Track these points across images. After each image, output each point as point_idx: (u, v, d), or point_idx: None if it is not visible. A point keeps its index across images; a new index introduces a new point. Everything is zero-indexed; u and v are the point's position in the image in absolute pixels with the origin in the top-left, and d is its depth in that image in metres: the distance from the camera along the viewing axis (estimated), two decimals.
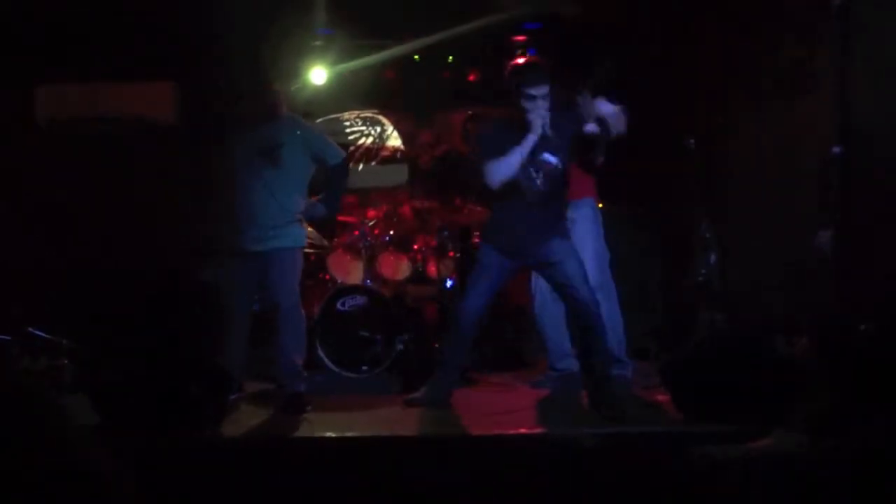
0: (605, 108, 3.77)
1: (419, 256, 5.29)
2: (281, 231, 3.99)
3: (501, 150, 3.71)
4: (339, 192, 4.26)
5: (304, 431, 3.61)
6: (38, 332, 4.54)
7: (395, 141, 6.43)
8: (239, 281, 4.03)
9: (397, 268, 5.24)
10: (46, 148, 5.18)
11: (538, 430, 3.58)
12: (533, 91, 3.63)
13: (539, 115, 3.63)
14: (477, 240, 4.85)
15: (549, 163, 3.75)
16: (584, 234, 4.28)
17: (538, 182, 3.75)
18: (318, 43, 5.74)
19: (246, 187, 3.96)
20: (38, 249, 5.05)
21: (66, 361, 4.33)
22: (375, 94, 6.25)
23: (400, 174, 6.23)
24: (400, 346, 4.63)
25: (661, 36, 4.77)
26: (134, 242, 5.11)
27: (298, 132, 4.07)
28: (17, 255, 5.01)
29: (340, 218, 5.54)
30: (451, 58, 6.05)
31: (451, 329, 4.06)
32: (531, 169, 3.74)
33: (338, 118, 6.38)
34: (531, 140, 3.65)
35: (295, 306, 4.03)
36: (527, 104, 3.65)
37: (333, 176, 4.16)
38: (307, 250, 5.31)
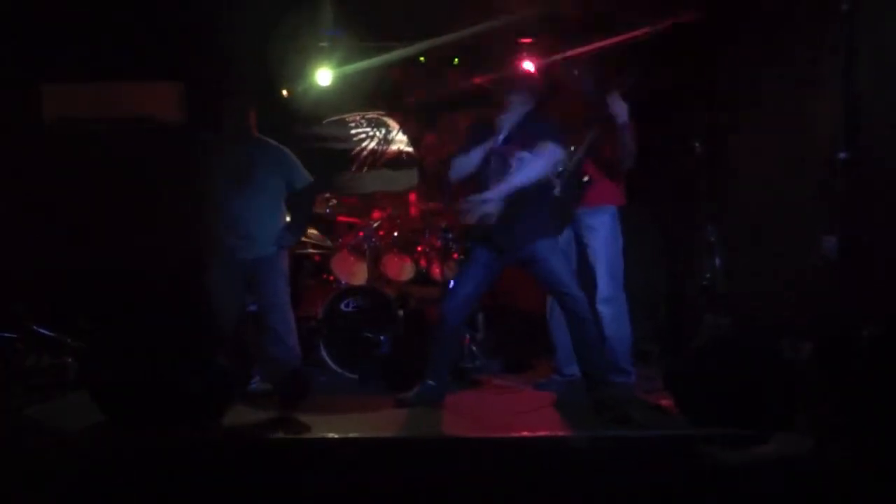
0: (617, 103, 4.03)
1: (423, 258, 5.30)
2: (263, 240, 4.16)
3: (469, 150, 3.98)
4: (304, 216, 4.42)
5: (306, 432, 3.61)
6: (42, 330, 4.56)
7: (400, 143, 6.44)
8: (224, 282, 4.15)
9: (401, 269, 5.24)
10: (52, 147, 5.20)
11: (541, 433, 3.58)
12: (509, 98, 3.94)
13: (507, 119, 3.91)
14: None
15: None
16: (601, 243, 4.27)
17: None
18: (323, 44, 5.75)
19: (228, 201, 4.14)
20: (43, 248, 5.07)
21: (69, 359, 4.34)
22: (381, 95, 6.25)
23: (409, 178, 6.24)
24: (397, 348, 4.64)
25: (667, 39, 4.76)
26: (138, 242, 5.12)
27: (268, 155, 4.24)
28: (21, 253, 5.03)
29: (344, 219, 5.55)
30: (456, 60, 6.06)
31: (439, 328, 4.07)
32: (511, 162, 3.89)
33: (343, 119, 6.39)
34: (492, 141, 3.91)
35: (284, 303, 4.21)
36: (502, 109, 3.95)
37: (299, 200, 4.30)
38: (311, 251, 5.34)
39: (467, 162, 3.94)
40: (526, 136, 3.90)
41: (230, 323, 4.16)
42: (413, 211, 5.51)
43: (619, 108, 4.05)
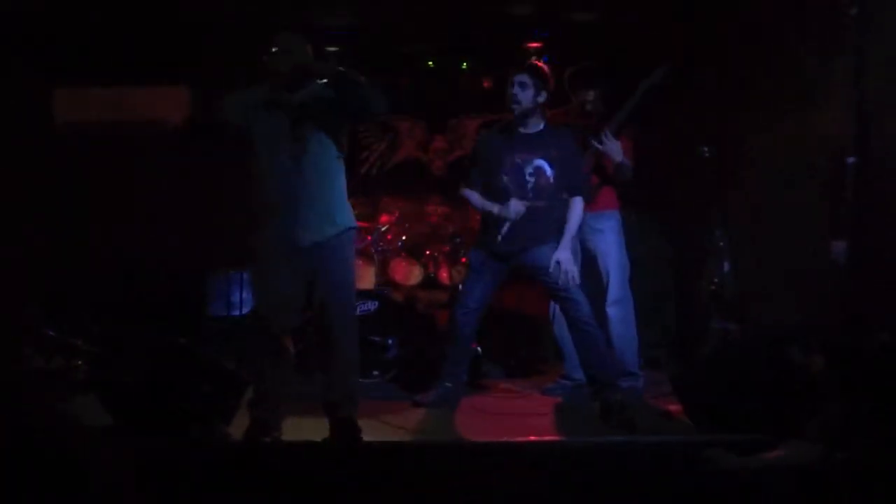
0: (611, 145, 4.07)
1: (431, 262, 5.30)
2: (330, 213, 3.33)
3: (489, 152, 3.97)
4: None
5: (312, 436, 3.61)
6: (51, 333, 4.57)
7: (408, 146, 6.44)
8: (279, 278, 3.33)
9: (409, 273, 5.26)
10: (62, 150, 5.23)
11: (548, 438, 3.57)
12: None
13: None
14: None
15: (544, 172, 3.88)
16: (610, 246, 4.29)
17: (530, 186, 3.88)
18: (332, 49, 5.76)
19: (282, 169, 3.26)
20: (53, 250, 5.10)
21: (79, 362, 4.36)
22: (389, 99, 6.25)
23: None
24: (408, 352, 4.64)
25: (677, 44, 4.75)
26: (147, 244, 5.15)
27: (326, 80, 3.25)
28: (31, 255, 5.06)
29: None
30: (465, 64, 6.07)
31: (451, 335, 4.12)
32: (526, 171, 3.88)
33: None
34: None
35: (351, 308, 3.46)
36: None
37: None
38: None
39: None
40: (546, 148, 3.91)
41: (285, 327, 3.44)
42: (421, 215, 5.52)
43: (613, 149, 4.09)
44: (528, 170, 3.88)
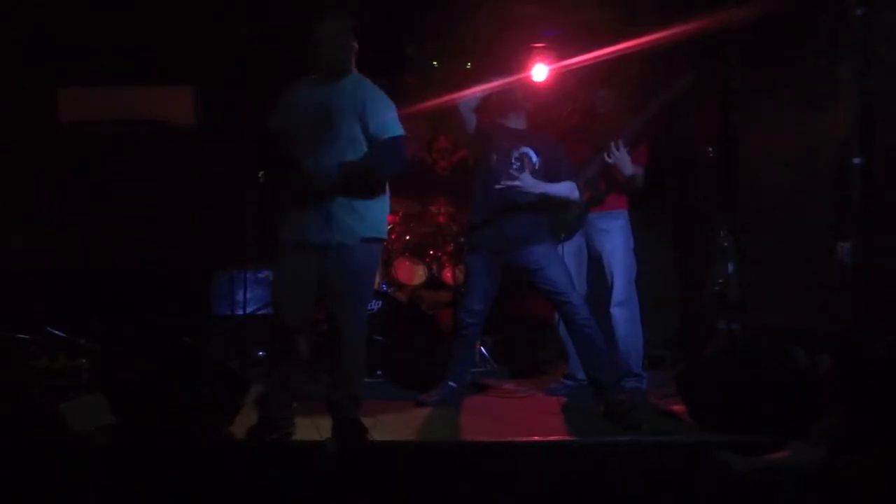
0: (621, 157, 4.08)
1: (435, 262, 5.30)
2: (346, 219, 3.33)
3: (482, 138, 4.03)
4: (370, 165, 3.30)
5: (315, 436, 3.61)
6: (56, 332, 4.59)
7: (411, 146, 6.43)
8: (288, 277, 3.37)
9: (413, 273, 5.25)
10: (66, 150, 5.25)
11: (551, 438, 3.57)
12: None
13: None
14: None
15: (531, 159, 3.96)
16: (616, 246, 4.27)
17: (514, 168, 3.92)
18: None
19: (311, 168, 3.26)
20: (57, 249, 5.11)
21: (83, 361, 4.37)
22: (393, 98, 6.25)
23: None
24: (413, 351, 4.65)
25: (682, 45, 4.74)
26: (151, 244, 5.16)
27: (358, 93, 3.30)
28: (35, 254, 5.07)
29: None
30: (468, 64, 6.05)
31: (456, 334, 4.15)
32: (513, 157, 3.95)
33: None
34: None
35: (361, 316, 3.45)
36: None
37: (373, 153, 3.28)
38: None
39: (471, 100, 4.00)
40: (530, 140, 3.99)
41: (294, 326, 3.41)
42: (425, 215, 5.51)
43: (623, 162, 4.08)
44: (515, 154, 3.96)
